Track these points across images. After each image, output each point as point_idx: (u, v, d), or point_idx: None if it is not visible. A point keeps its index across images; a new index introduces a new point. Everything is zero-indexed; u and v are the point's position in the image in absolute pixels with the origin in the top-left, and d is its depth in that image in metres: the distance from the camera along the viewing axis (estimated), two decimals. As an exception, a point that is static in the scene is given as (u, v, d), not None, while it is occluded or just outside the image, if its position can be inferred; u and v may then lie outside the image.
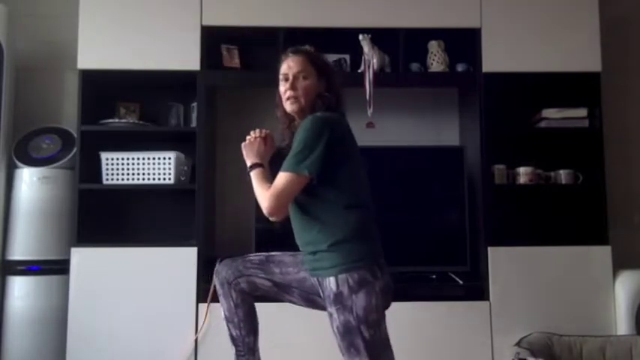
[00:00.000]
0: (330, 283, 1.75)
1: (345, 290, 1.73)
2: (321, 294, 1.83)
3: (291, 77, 1.91)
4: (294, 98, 1.90)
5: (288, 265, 1.98)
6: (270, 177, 1.89)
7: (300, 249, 1.91)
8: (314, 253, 1.82)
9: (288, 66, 1.93)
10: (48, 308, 2.82)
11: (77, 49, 2.84)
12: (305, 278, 1.93)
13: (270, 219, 1.81)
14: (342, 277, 1.74)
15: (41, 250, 2.84)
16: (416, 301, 2.74)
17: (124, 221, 3.09)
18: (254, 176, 1.91)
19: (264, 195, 1.81)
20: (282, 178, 1.78)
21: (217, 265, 2.05)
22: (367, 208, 1.86)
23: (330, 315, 1.78)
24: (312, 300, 1.96)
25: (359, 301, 1.72)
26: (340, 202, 1.80)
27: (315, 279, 1.85)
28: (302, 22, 2.85)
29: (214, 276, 2.05)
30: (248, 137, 2.01)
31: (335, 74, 1.98)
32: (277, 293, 2.01)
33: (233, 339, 2.00)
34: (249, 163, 1.96)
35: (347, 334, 1.74)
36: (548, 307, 2.77)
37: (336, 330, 1.77)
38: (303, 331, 2.65)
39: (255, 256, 2.04)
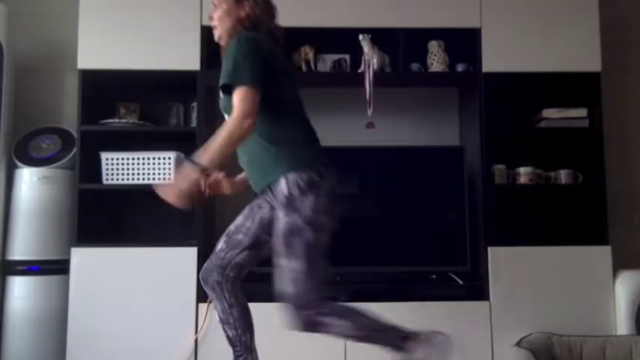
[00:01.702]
0: (282, 186, 1.81)
1: (295, 192, 1.78)
2: (275, 204, 1.86)
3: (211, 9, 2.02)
4: (213, 27, 2.01)
5: (244, 224, 2.02)
6: None
7: (249, 168, 1.95)
8: (262, 165, 1.87)
9: None
10: (48, 308, 2.82)
11: (77, 49, 2.84)
12: (263, 218, 1.99)
13: (246, 126, 1.76)
14: (292, 177, 1.80)
15: (41, 250, 2.84)
16: (416, 301, 2.74)
17: (124, 221, 3.09)
18: (209, 153, 1.78)
19: (229, 122, 1.76)
20: (235, 95, 1.77)
21: (200, 275, 2.07)
22: (308, 121, 1.96)
23: (278, 218, 1.82)
24: None
25: (308, 202, 1.78)
26: (285, 118, 1.88)
27: (269, 194, 1.87)
28: (301, 22, 2.85)
29: (203, 285, 2.06)
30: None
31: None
32: (257, 253, 2.04)
33: (230, 340, 2.01)
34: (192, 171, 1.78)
35: (290, 235, 1.78)
36: (548, 307, 2.77)
37: (280, 232, 1.80)
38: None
39: (220, 243, 2.06)
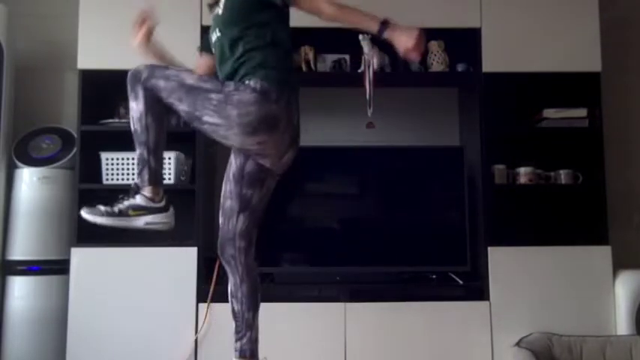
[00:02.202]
0: (240, 84, 1.84)
1: (248, 87, 1.80)
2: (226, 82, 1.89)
3: None
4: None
5: (227, 189, 2.01)
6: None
7: (219, 61, 1.98)
8: (243, 74, 1.88)
9: None
10: (48, 308, 2.82)
11: (77, 49, 2.85)
12: (234, 173, 1.98)
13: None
14: (255, 81, 1.82)
15: (41, 250, 2.84)
16: (416, 301, 2.74)
17: (124, 221, 3.08)
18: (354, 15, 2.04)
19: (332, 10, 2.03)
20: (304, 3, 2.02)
21: (218, 250, 2.06)
22: (291, 54, 2.04)
23: (218, 92, 1.83)
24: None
25: (244, 106, 1.78)
26: (275, 40, 1.96)
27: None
28: (302, 22, 2.82)
29: (220, 258, 2.05)
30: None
31: None
32: (252, 211, 2.01)
33: (234, 313, 2.03)
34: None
35: (198, 95, 1.83)
36: (548, 307, 2.77)
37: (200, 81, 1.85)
38: (297, 330, 2.66)
39: (220, 217, 2.04)
